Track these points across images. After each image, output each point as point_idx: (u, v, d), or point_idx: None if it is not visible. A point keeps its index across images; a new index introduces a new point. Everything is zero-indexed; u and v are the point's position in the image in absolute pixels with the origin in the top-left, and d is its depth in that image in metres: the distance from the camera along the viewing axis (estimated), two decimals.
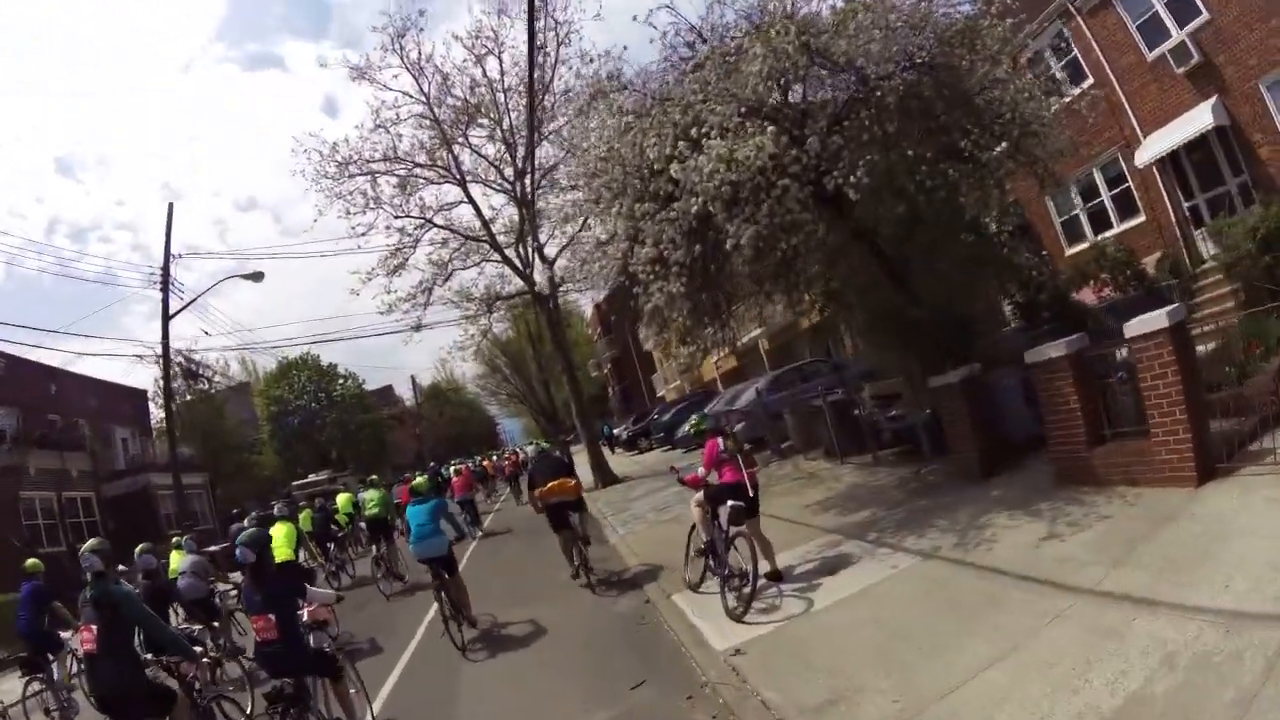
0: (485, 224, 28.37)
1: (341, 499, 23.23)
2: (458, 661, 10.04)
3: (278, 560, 11.86)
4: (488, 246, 28.66)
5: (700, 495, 9.73)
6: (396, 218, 27.35)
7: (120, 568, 11.20)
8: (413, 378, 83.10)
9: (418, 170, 27.79)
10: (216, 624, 12.17)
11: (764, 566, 9.11)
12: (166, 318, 28.39)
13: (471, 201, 28.31)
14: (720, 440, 9.55)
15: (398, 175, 27.48)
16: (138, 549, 10.72)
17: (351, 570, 19.40)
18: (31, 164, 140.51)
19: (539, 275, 28.34)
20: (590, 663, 8.96)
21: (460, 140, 27.62)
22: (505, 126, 27.40)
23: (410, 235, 27.69)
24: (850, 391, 17.70)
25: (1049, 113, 12.26)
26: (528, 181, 27.25)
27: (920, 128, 11.77)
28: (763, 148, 10.24)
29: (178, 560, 13.04)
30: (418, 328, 28.06)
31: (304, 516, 17.50)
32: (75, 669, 11.88)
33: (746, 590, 8.52)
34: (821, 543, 10.86)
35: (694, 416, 11.33)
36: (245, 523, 14.57)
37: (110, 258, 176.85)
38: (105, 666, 6.56)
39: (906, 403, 15.70)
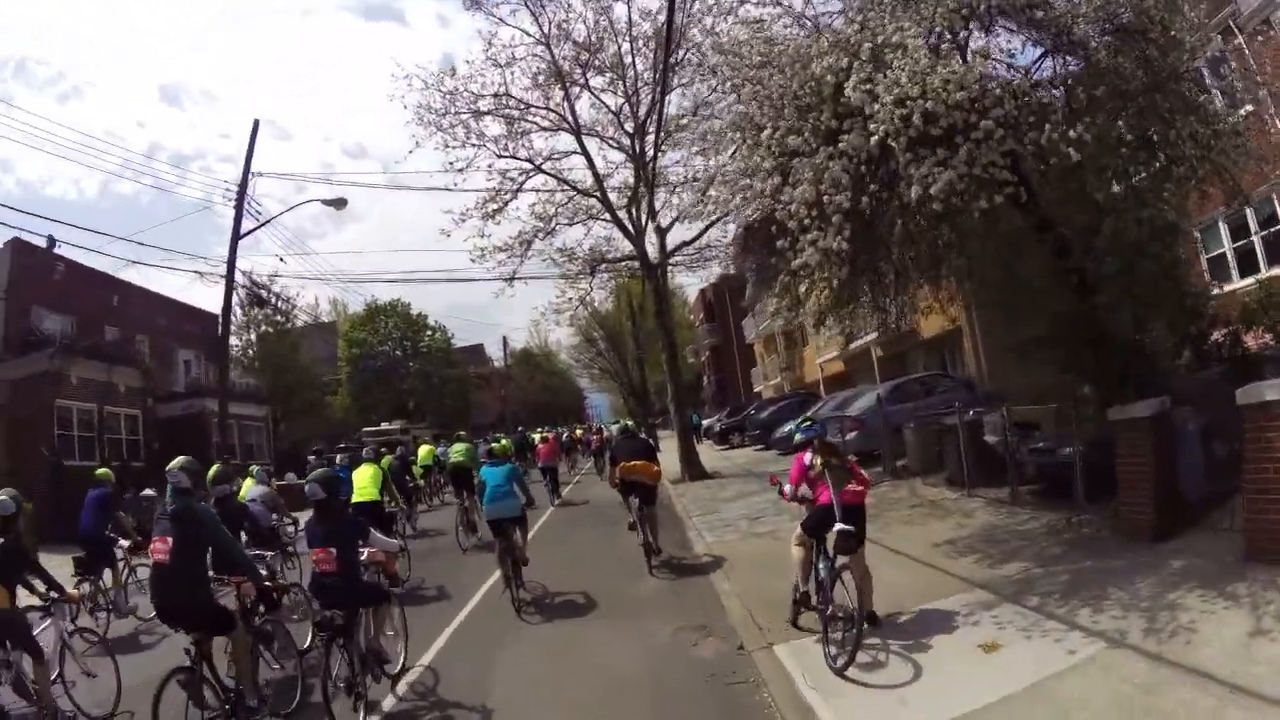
0: (598, 178, 26.51)
1: (423, 451, 24.48)
2: (513, 621, 10.58)
3: (363, 499, 13.68)
4: (598, 204, 26.85)
5: (800, 532, 8.41)
6: (500, 156, 25.70)
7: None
8: (504, 338, 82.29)
9: (530, 112, 26.11)
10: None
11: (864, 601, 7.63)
12: (236, 235, 26.94)
13: (585, 153, 26.50)
14: (808, 454, 8.26)
15: (506, 115, 25.83)
16: (212, 471, 10.12)
17: (415, 524, 19.71)
18: (138, 90, 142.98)
19: (650, 244, 26.46)
20: None
21: (580, 83, 25.72)
22: (629, 78, 25.53)
23: (513, 180, 26.04)
24: (988, 413, 15.34)
25: (1238, 118, 10.71)
26: (649, 140, 25.30)
27: (1117, 106, 9.78)
28: (960, 79, 8.08)
29: (248, 487, 13.70)
30: (511, 279, 26.47)
31: (384, 461, 16.91)
32: (126, 576, 12.99)
33: (852, 633, 7.19)
34: (968, 600, 8.69)
35: (803, 418, 9.41)
36: (331, 460, 15.89)
37: (209, 184, 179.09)
38: (175, 578, 6.72)
39: (1049, 434, 13.50)
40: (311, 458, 20.07)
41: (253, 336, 50.41)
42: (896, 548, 11.40)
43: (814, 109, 9.31)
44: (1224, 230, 18.84)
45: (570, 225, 27.56)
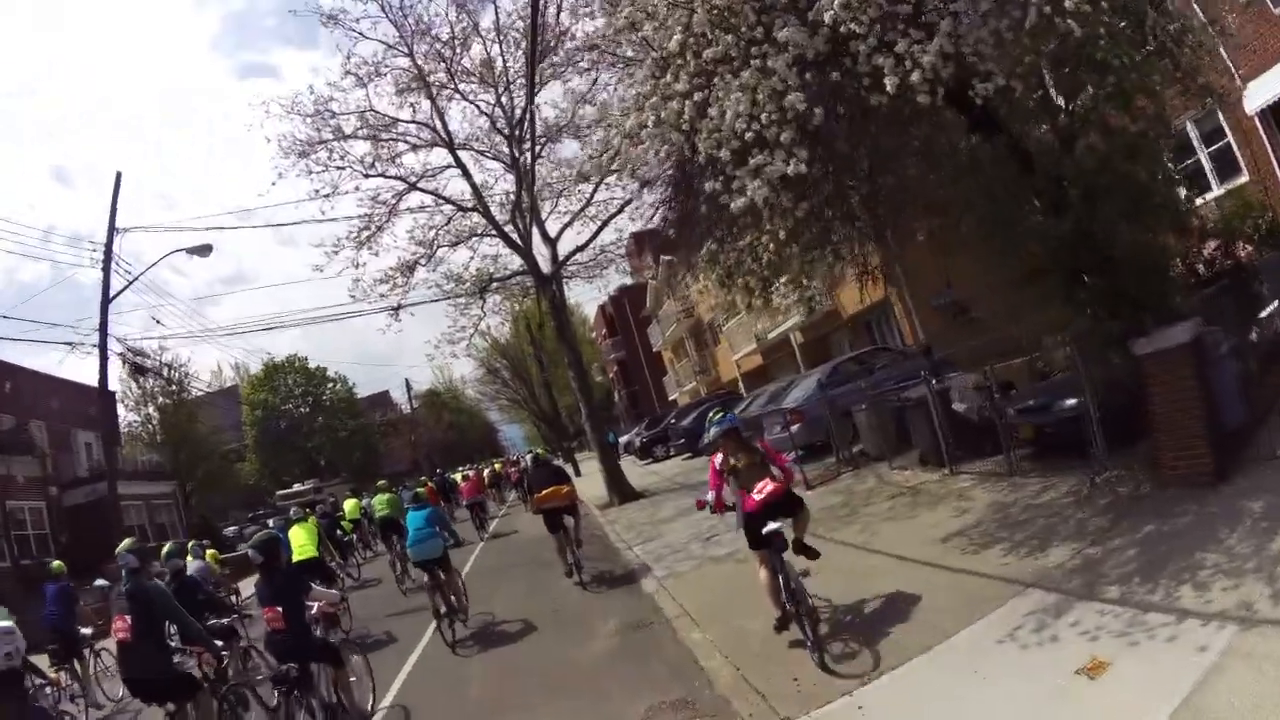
0: (477, 191, 24.07)
1: (349, 505, 24.61)
2: (463, 654, 10.79)
3: (303, 557, 13.78)
4: (480, 220, 24.51)
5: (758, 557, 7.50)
6: (367, 176, 23.16)
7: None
8: (406, 381, 78.98)
9: (397, 127, 23.69)
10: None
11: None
12: (106, 298, 24.07)
13: (460, 165, 24.06)
14: (718, 457, 7.73)
15: (372, 135, 23.35)
16: (165, 547, 11.06)
17: (356, 574, 20.33)
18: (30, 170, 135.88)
19: (540, 255, 24.24)
20: None
21: (450, 88, 23.39)
22: (499, 77, 23.27)
23: (385, 204, 23.61)
24: (954, 379, 13.55)
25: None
26: (526, 139, 23.08)
27: None
28: None
29: (188, 564, 13.23)
30: (397, 309, 23.92)
31: (311, 521, 16.66)
32: (95, 666, 13.40)
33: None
34: (1026, 608, 6.57)
35: (715, 411, 8.19)
36: (270, 525, 16.70)
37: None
38: (138, 654, 7.10)
39: (1034, 389, 12.07)
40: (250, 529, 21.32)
41: (151, 410, 48.19)
42: (896, 551, 9.39)
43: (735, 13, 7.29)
44: (1195, 135, 17.54)
45: (454, 248, 25.15)
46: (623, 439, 45.39)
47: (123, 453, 44.80)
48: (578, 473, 40.61)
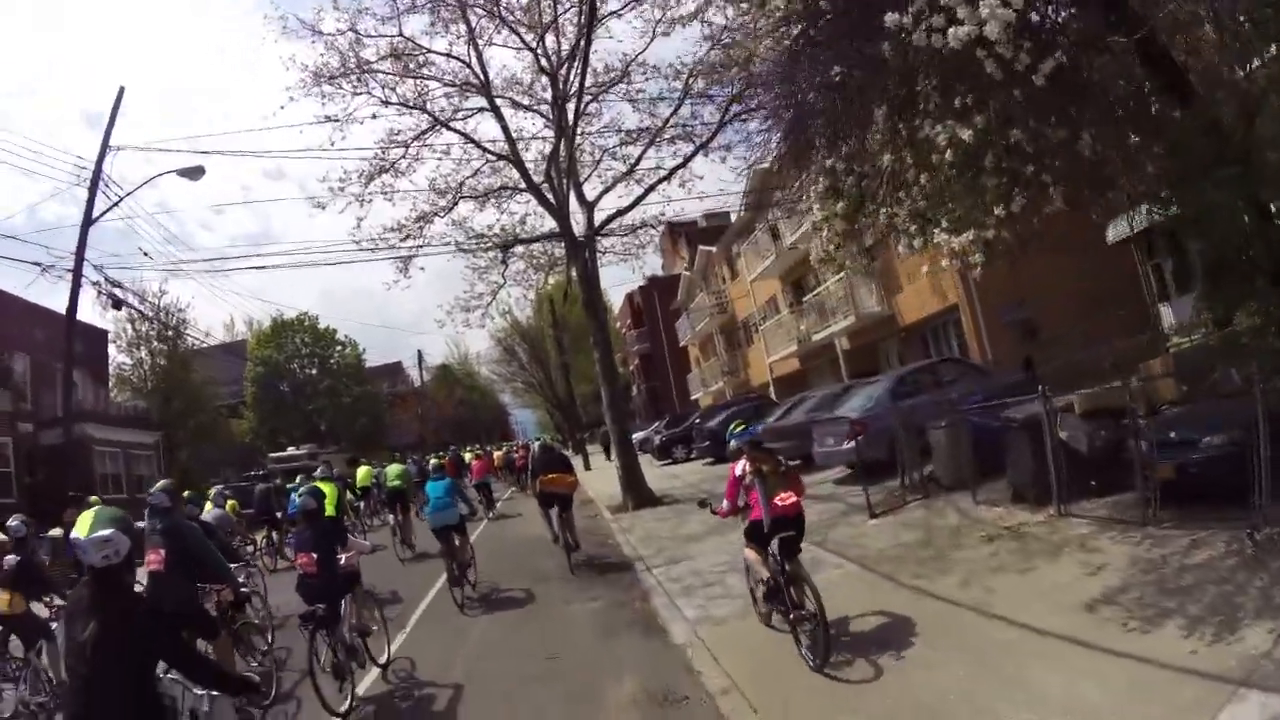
0: (510, 137, 21.36)
1: (362, 472, 25.29)
2: (464, 617, 11.45)
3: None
4: (510, 173, 21.98)
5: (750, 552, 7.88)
6: (385, 104, 20.51)
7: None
8: (419, 351, 76.65)
9: (430, 64, 21.09)
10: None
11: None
12: (88, 220, 22.01)
13: (494, 107, 21.25)
14: (739, 464, 7.87)
15: (399, 64, 20.68)
16: (184, 495, 11.27)
17: (365, 539, 19.89)
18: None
19: (576, 222, 21.60)
20: None
21: (494, 15, 20.59)
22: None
23: (404, 144, 21.02)
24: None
25: None
26: (573, 83, 20.48)
27: None
28: None
29: (207, 510, 13.76)
30: (407, 262, 21.53)
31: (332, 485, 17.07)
32: None
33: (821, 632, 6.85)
34: (1251, 715, 4.67)
35: (734, 423, 8.61)
36: (298, 480, 17.61)
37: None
38: (168, 586, 7.48)
39: (1170, 420, 9.78)
40: (260, 485, 21.85)
41: (144, 354, 46.66)
42: (1027, 620, 6.85)
43: None
44: None
45: (481, 206, 22.60)
46: (636, 435, 42.56)
47: (113, 397, 43.74)
48: (587, 466, 38.22)
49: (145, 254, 55.28)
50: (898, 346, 27.49)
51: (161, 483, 8.46)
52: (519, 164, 21.41)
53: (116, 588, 4.50)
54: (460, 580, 12.26)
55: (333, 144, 22.16)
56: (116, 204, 23.17)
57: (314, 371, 64.32)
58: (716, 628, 8.73)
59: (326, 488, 14.76)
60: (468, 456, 36.15)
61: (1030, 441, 10.66)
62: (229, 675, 5.64)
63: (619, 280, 73.71)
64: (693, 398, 55.36)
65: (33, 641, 8.97)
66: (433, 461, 16.94)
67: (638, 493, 20.53)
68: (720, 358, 48.02)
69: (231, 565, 10.72)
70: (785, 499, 7.37)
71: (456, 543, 12.55)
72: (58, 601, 9.22)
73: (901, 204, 7.45)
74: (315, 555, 8.32)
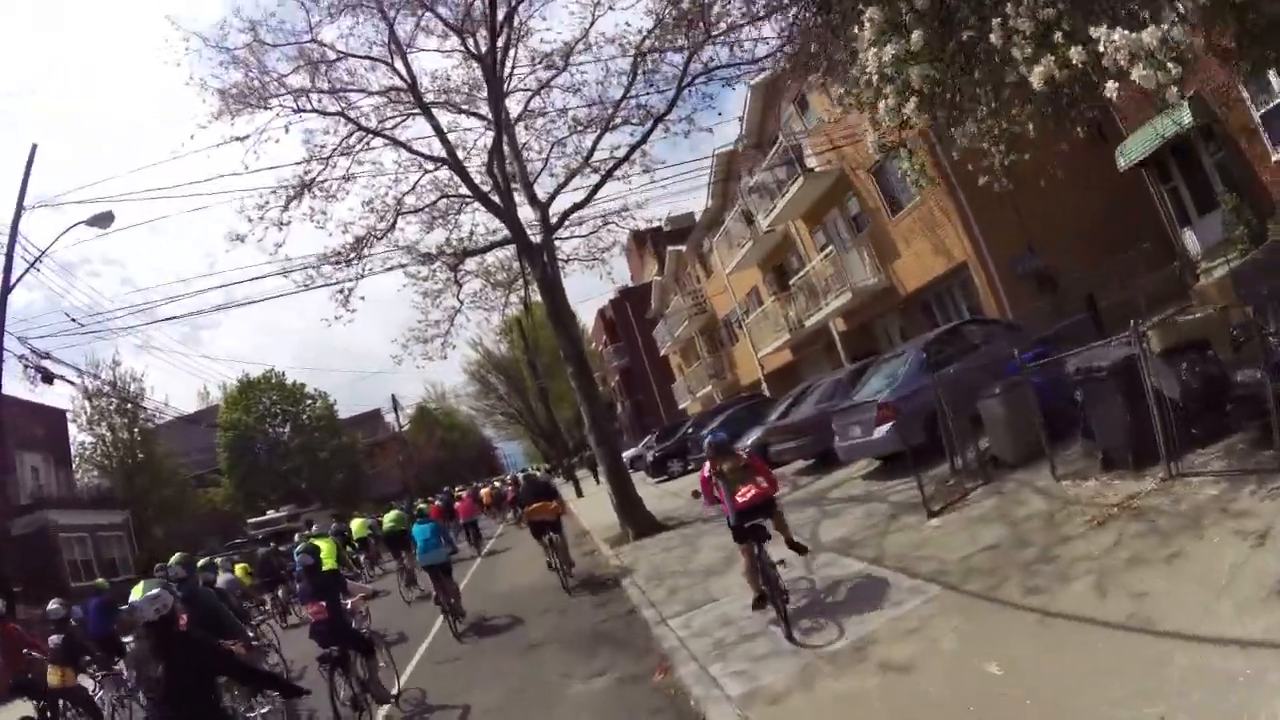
0: (442, 134, 19.03)
1: (356, 524, 26.56)
2: (462, 647, 12.35)
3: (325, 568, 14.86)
4: (449, 181, 19.71)
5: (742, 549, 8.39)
6: (298, 111, 18.13)
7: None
8: (393, 396, 73.92)
9: (346, 63, 18.76)
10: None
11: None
12: (7, 287, 19.79)
13: (421, 104, 18.90)
14: (706, 466, 8.74)
15: (314, 64, 18.35)
16: (201, 562, 14.32)
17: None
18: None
19: (529, 227, 19.30)
20: None
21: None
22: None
23: (323, 160, 18.65)
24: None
25: None
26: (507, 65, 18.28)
27: None
28: None
29: (220, 578, 14.94)
30: (348, 294, 18.93)
31: (330, 540, 19.02)
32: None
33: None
34: None
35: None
36: (296, 540, 19.91)
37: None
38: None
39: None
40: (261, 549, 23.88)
41: (104, 430, 44.63)
42: (1209, 628, 4.84)
43: None
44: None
45: (429, 227, 20.26)
46: (626, 454, 40.06)
47: (78, 478, 41.75)
48: (579, 493, 36.27)
49: (73, 319, 53.68)
50: (899, 321, 25.05)
51: (176, 556, 10.54)
52: (458, 166, 19.00)
53: (169, 632, 5.84)
54: (452, 612, 13.43)
55: (246, 167, 19.86)
56: (33, 265, 20.83)
57: (286, 430, 62.08)
58: (774, 708, 6.25)
59: (323, 543, 16.25)
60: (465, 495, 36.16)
61: (1121, 393, 8.54)
62: (278, 679, 8.17)
63: (589, 294, 71.95)
64: (680, 407, 53.15)
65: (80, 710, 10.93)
66: (420, 506, 20.36)
67: (636, 519, 17.86)
68: (704, 361, 45.71)
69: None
70: (745, 493, 8.18)
71: (444, 579, 13.66)
72: (102, 673, 11.80)
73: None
74: (323, 603, 9.03)
